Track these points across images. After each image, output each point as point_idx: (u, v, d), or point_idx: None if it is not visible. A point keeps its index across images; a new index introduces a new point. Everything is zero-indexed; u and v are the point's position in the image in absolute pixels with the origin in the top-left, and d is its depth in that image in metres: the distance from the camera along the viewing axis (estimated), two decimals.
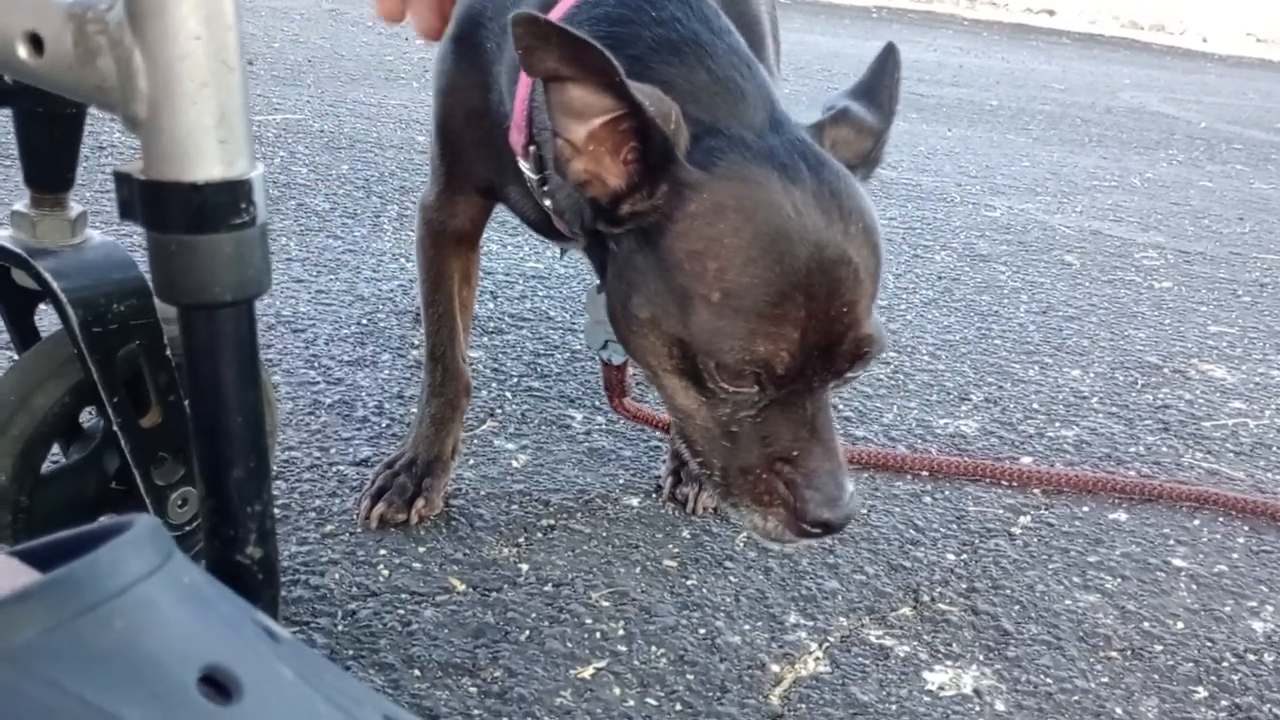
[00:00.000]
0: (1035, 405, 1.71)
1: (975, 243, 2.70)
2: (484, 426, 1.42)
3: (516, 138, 1.00)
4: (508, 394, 1.53)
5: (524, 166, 1.01)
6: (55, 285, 0.80)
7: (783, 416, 0.85)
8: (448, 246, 1.19)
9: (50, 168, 0.82)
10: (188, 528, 0.94)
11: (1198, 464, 1.56)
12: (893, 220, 2.80)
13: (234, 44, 0.62)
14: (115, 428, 0.85)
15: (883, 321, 0.88)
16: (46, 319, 0.96)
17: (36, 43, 0.63)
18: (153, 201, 0.63)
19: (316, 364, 1.52)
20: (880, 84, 0.98)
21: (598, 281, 1.17)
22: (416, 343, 1.63)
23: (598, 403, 1.53)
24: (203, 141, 0.62)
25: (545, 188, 1.00)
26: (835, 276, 0.82)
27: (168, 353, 0.87)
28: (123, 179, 0.64)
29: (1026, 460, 1.52)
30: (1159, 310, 2.30)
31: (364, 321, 1.69)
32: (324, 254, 1.97)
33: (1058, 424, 1.65)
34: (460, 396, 1.23)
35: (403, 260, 1.99)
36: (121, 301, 0.83)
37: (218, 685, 0.53)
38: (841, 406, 1.61)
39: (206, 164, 0.62)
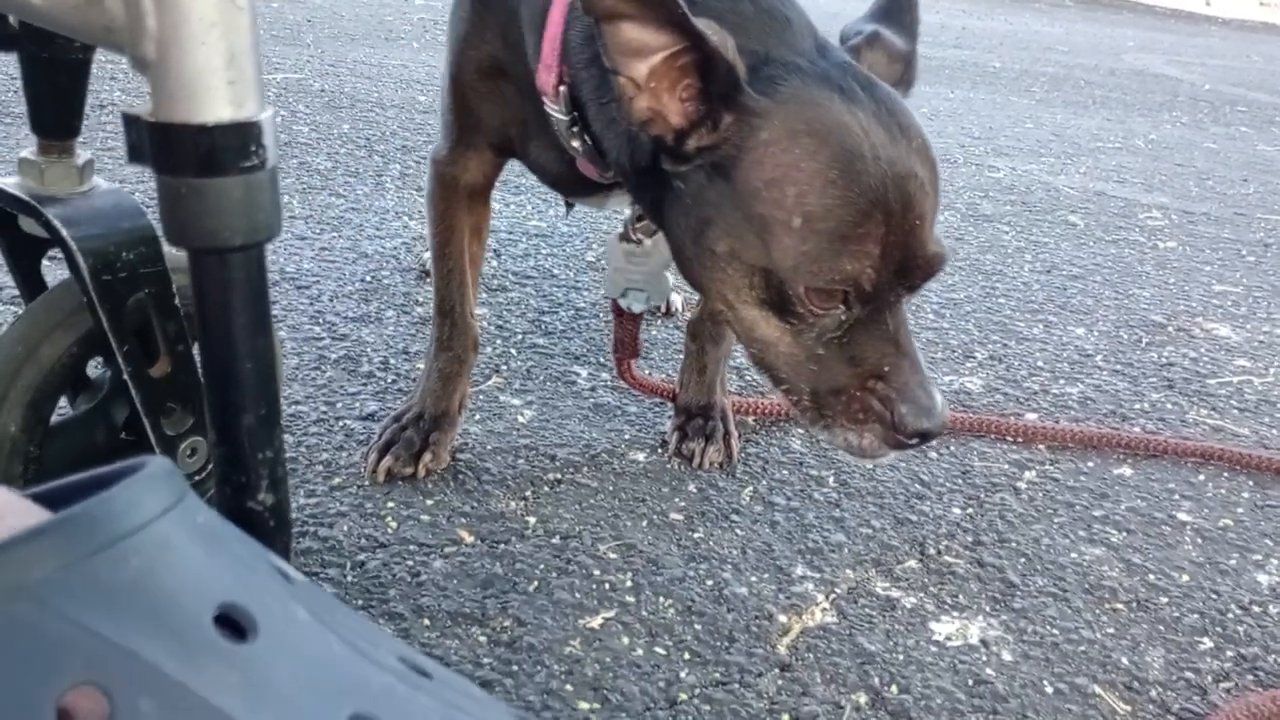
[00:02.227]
0: (1040, 363, 1.71)
1: (979, 203, 2.69)
2: (489, 382, 1.42)
3: (546, 78, 0.99)
4: (513, 350, 1.52)
5: (552, 109, 1.00)
6: (65, 232, 0.79)
7: (867, 335, 0.87)
8: (459, 200, 1.18)
9: (57, 114, 0.81)
10: (197, 477, 0.94)
11: (1202, 420, 1.56)
12: None
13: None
14: (125, 377, 0.85)
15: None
16: (52, 271, 0.95)
17: None
18: (162, 143, 0.62)
19: (321, 320, 1.52)
20: (898, 5, 0.98)
21: (619, 230, 1.17)
22: (421, 299, 1.63)
23: (602, 359, 1.52)
24: (212, 82, 0.61)
25: (575, 129, 0.99)
26: (907, 191, 0.84)
27: (176, 302, 0.87)
28: (131, 121, 0.63)
29: (1031, 416, 1.52)
30: (1163, 270, 2.29)
31: (368, 279, 1.68)
32: (327, 212, 1.96)
33: (1062, 381, 1.65)
34: (468, 351, 1.23)
35: (406, 218, 1.98)
36: (131, 249, 0.82)
37: (233, 624, 0.53)
38: None
39: (216, 105, 0.61)
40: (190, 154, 0.62)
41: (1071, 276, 2.17)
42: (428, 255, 1.69)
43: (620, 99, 0.85)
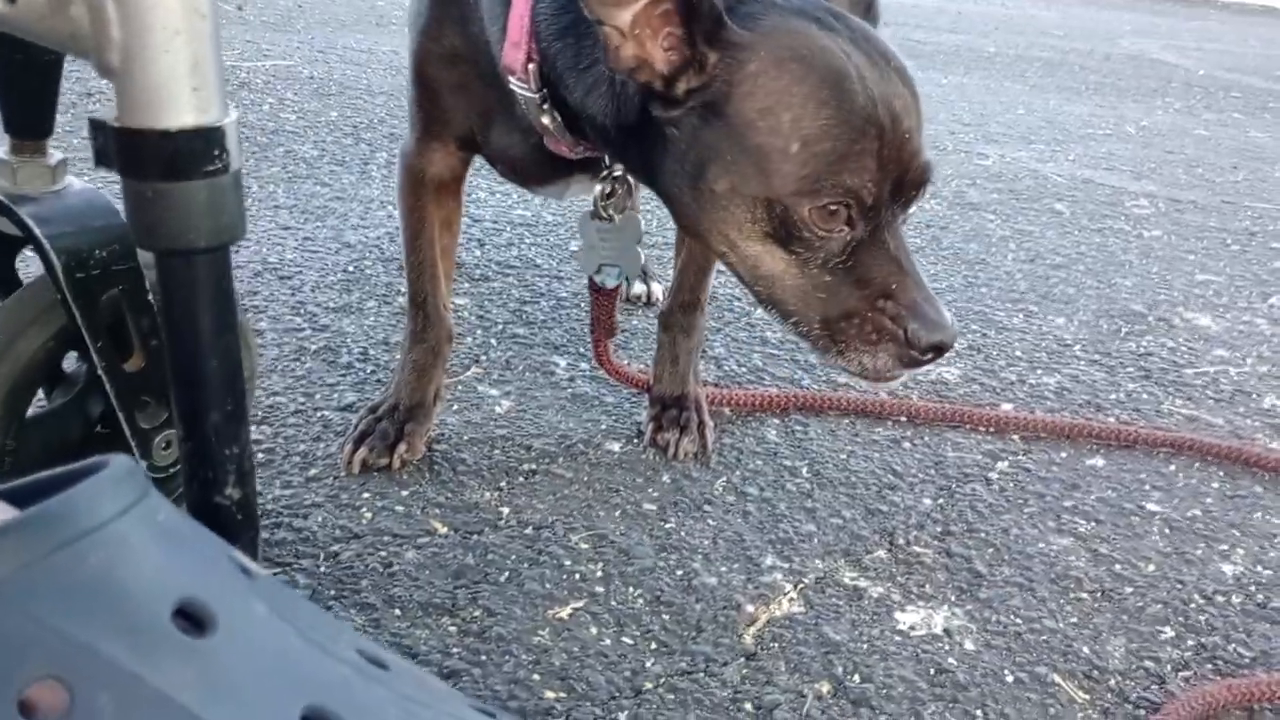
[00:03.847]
0: (1018, 353, 1.73)
1: (966, 191, 2.70)
2: (468, 373, 1.44)
3: (514, 56, 1.00)
4: (493, 341, 1.54)
5: (519, 88, 1.01)
6: (38, 231, 0.81)
7: (870, 257, 0.90)
8: (428, 194, 1.19)
9: (29, 115, 0.82)
10: (172, 469, 0.95)
11: (1177, 410, 1.58)
12: None
13: (202, 3, 0.62)
14: (99, 372, 0.86)
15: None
16: (27, 267, 0.97)
17: None
18: (127, 149, 0.64)
19: (302, 310, 1.53)
20: None
21: (589, 209, 1.18)
22: (402, 290, 1.64)
23: (582, 349, 1.54)
24: (175, 89, 0.63)
25: (545, 105, 1.01)
26: (894, 107, 0.88)
27: (149, 298, 0.88)
28: (98, 126, 0.65)
29: (1007, 407, 1.53)
30: (1147, 258, 2.31)
31: (350, 269, 1.70)
32: (311, 201, 1.97)
33: (1039, 371, 1.66)
34: (442, 343, 1.24)
35: (390, 207, 1.99)
36: (103, 247, 0.84)
37: (191, 618, 0.54)
38: None
39: (179, 112, 0.63)
40: (155, 159, 0.64)
41: (1054, 266, 2.19)
42: None
43: (606, 50, 0.88)
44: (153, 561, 0.54)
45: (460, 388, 1.39)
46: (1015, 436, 1.44)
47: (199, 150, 0.64)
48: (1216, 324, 1.96)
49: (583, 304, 1.69)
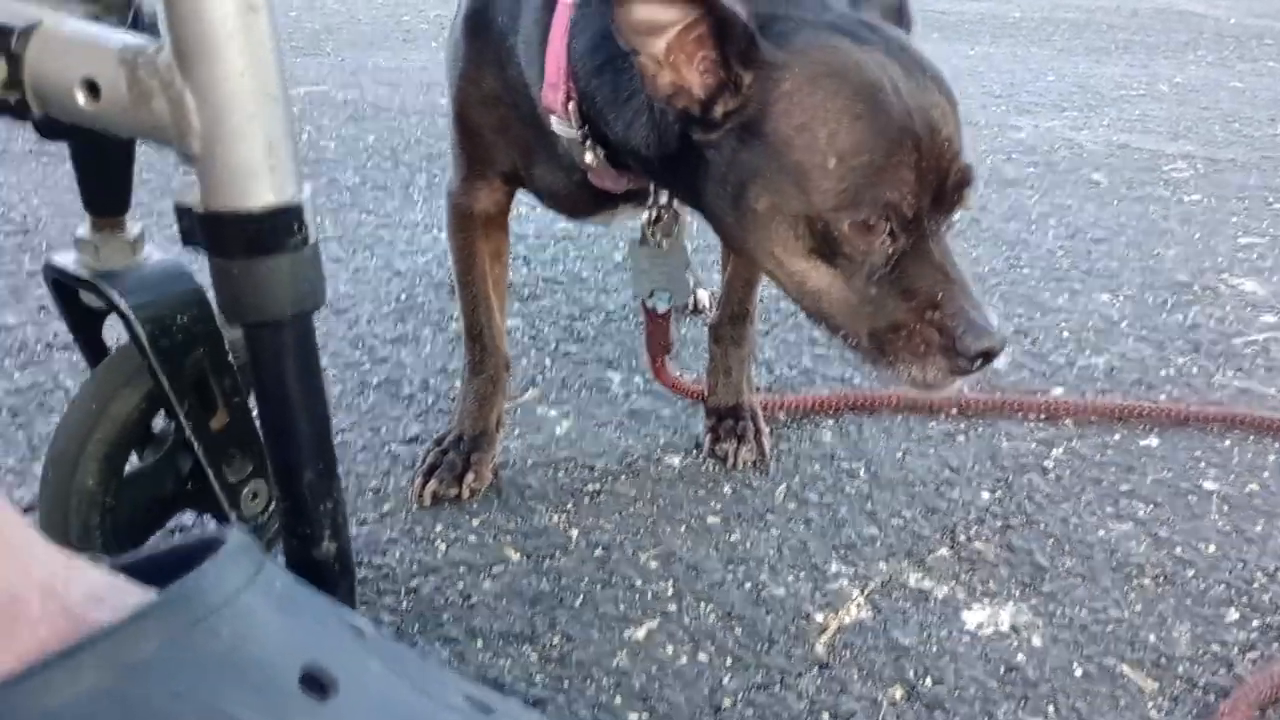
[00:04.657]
0: (1065, 333, 1.74)
1: (1002, 167, 2.70)
2: (526, 395, 1.47)
3: (552, 97, 1.03)
4: (547, 360, 1.57)
5: (560, 128, 1.04)
6: (124, 305, 0.85)
7: (915, 267, 0.91)
8: (476, 229, 1.23)
9: (108, 194, 0.86)
10: (261, 518, 0.99)
11: (1229, 383, 1.59)
12: None
13: (277, 76, 0.66)
14: (187, 431, 0.91)
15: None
16: (111, 331, 1.01)
17: (93, 89, 0.68)
18: (212, 230, 0.68)
19: (361, 344, 1.58)
20: None
21: (636, 236, 1.20)
22: (455, 315, 1.68)
23: (634, 363, 1.57)
24: (254, 172, 0.66)
25: (586, 143, 1.03)
26: (931, 117, 0.89)
27: (229, 357, 0.92)
28: (183, 211, 0.69)
29: (1058, 391, 1.55)
30: (1188, 225, 2.30)
31: (403, 297, 1.74)
32: (359, 230, 2.01)
33: (1088, 351, 1.68)
34: (500, 371, 1.28)
35: (435, 231, 2.03)
36: (184, 313, 0.88)
37: (316, 682, 0.58)
38: None
39: (259, 192, 0.67)
40: (238, 238, 0.67)
41: (1096, 240, 2.19)
42: None
43: (643, 78, 0.90)
44: (276, 631, 0.58)
45: (520, 411, 1.43)
46: (1068, 422, 1.46)
47: (279, 227, 0.67)
48: (1263, 288, 1.96)
49: (632, 315, 1.73)
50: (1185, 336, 1.74)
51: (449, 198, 1.23)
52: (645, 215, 1.18)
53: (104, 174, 0.86)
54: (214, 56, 0.64)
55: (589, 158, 1.04)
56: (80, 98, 0.68)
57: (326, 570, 0.75)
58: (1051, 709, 0.96)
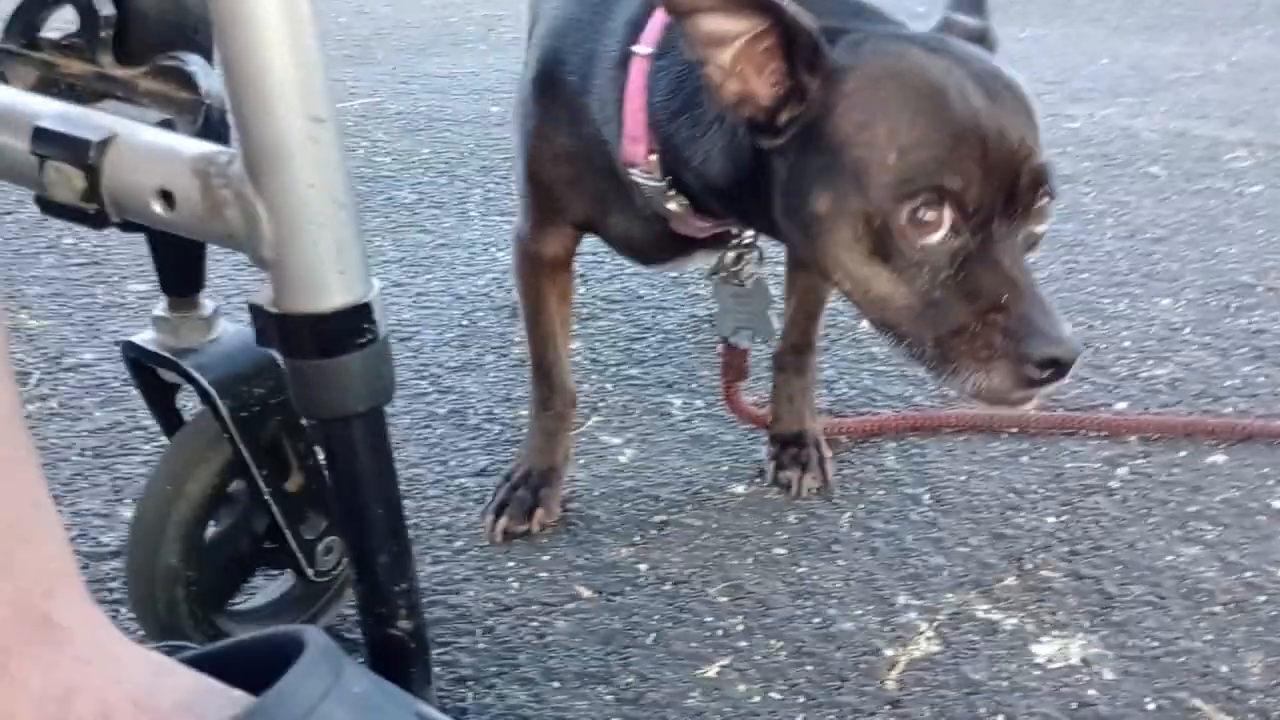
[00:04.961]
0: (1126, 343, 1.73)
1: (1057, 161, 2.66)
2: (589, 423, 1.49)
3: (634, 150, 1.04)
4: (608, 385, 1.59)
5: (642, 179, 1.05)
6: (203, 381, 0.88)
7: (982, 269, 0.88)
8: (544, 274, 1.25)
9: (183, 277, 0.89)
10: (334, 572, 1.02)
11: None
12: None
13: (344, 185, 0.68)
14: (265, 497, 0.94)
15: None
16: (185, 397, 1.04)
17: (168, 198, 0.70)
18: (285, 332, 0.70)
19: (426, 373, 1.60)
20: None
21: (720, 274, 1.20)
22: (516, 339, 1.70)
23: (694, 386, 1.58)
24: (325, 276, 0.69)
25: (671, 191, 1.04)
26: (1001, 119, 0.88)
27: (302, 421, 0.95)
28: (257, 311, 0.71)
29: (1121, 405, 1.54)
30: (1250, 220, 2.27)
31: (464, 322, 1.76)
32: (418, 251, 2.04)
33: (1150, 361, 1.66)
34: (568, 407, 1.30)
35: (493, 250, 2.05)
36: (260, 385, 0.90)
37: None
38: None
39: (330, 295, 0.69)
40: (311, 339, 0.70)
41: (1155, 239, 2.16)
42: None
43: (709, 89, 0.91)
44: None
45: (583, 439, 1.45)
46: (1132, 439, 1.45)
47: (350, 328, 0.70)
48: None
49: (690, 335, 1.74)
50: (1250, 343, 1.72)
51: (518, 243, 1.25)
52: (728, 255, 1.18)
53: (180, 259, 0.88)
54: (284, 168, 0.66)
55: (673, 206, 1.05)
56: (156, 207, 0.70)
57: (402, 648, 0.78)
58: None
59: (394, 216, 2.22)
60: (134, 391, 1.49)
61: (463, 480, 1.35)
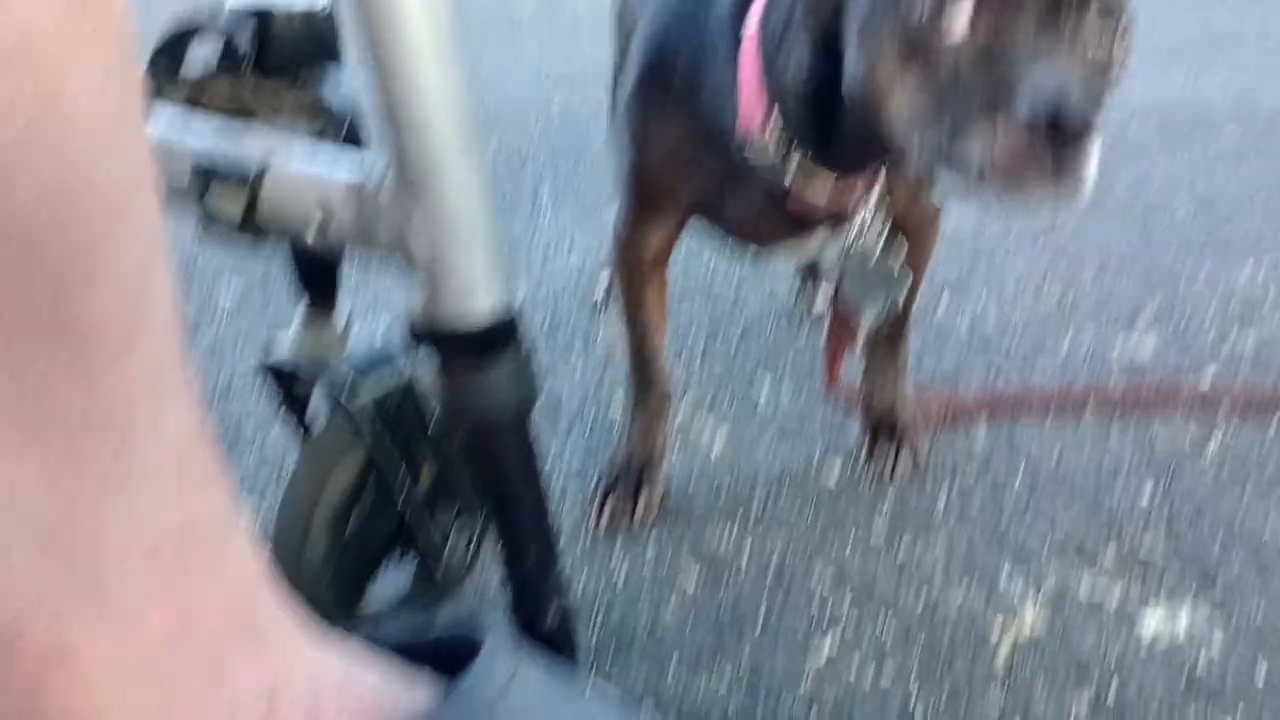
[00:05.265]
0: (1210, 311, 1.73)
1: (1124, 130, 2.66)
2: (680, 416, 1.52)
3: (751, 118, 1.04)
4: (695, 371, 1.62)
5: (762, 147, 1.05)
6: (339, 392, 0.91)
7: (1001, 60, 0.79)
8: (645, 273, 1.27)
9: (320, 289, 0.93)
10: (466, 556, 1.06)
11: None
12: None
13: (490, 200, 0.71)
14: (397, 498, 0.98)
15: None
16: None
17: (325, 216, 0.74)
18: (439, 341, 0.73)
19: None
20: None
21: (850, 251, 1.17)
22: (597, 338, 1.73)
23: (780, 369, 1.61)
24: (476, 287, 0.72)
25: (791, 145, 1.03)
26: None
27: (430, 421, 0.99)
28: (412, 320, 0.75)
29: (1208, 374, 1.54)
30: None
31: (546, 322, 1.80)
32: None
33: (1234, 330, 1.67)
34: (664, 403, 1.33)
35: (566, 244, 2.08)
36: (394, 393, 0.94)
37: None
38: (1019, 340, 1.67)
39: (482, 306, 0.72)
40: (463, 349, 0.73)
41: (1230, 205, 2.15)
42: (599, 287, 1.80)
43: None
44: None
45: (676, 429, 1.48)
46: (1220, 411, 1.46)
47: (500, 337, 0.73)
48: None
49: (767, 320, 1.76)
50: None
51: (617, 242, 1.26)
52: (858, 223, 1.14)
53: (317, 272, 0.92)
54: (436, 182, 0.69)
55: (793, 166, 1.04)
56: (312, 229, 0.74)
57: (554, 636, 0.81)
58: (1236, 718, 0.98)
59: None
60: (235, 386, 1.55)
61: (563, 481, 1.38)
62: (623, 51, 1.41)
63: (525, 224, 2.21)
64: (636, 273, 1.27)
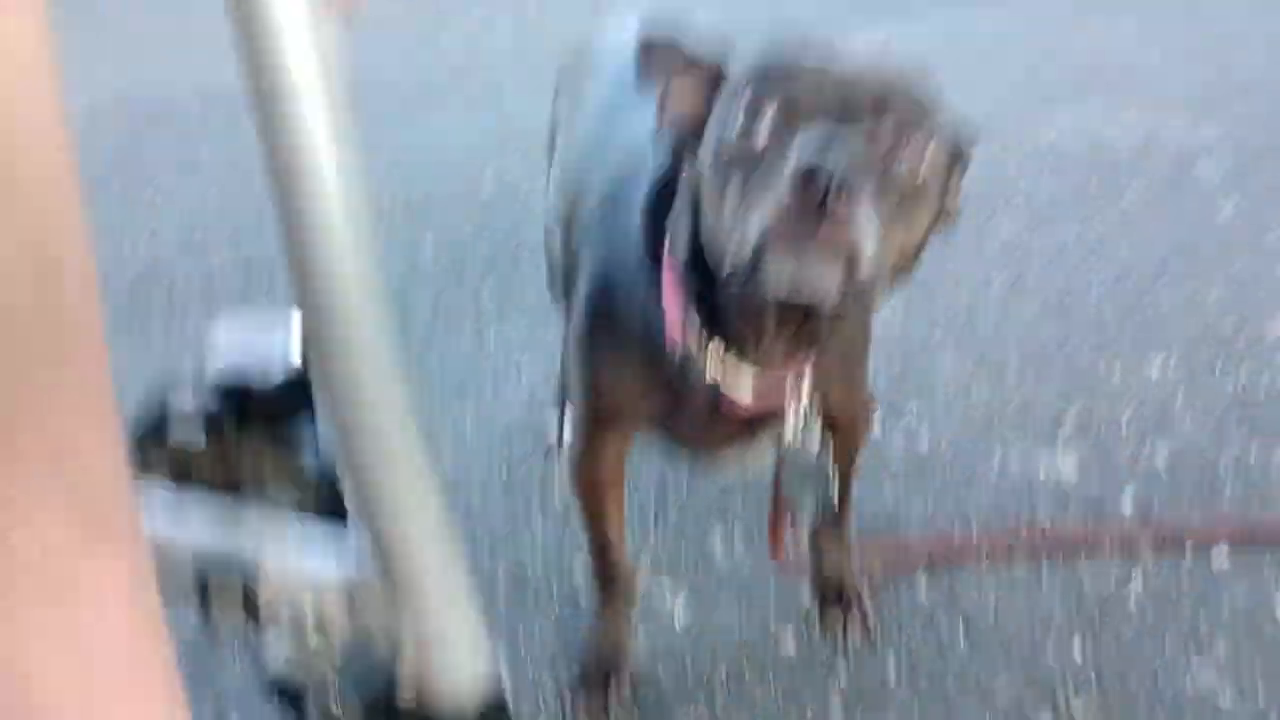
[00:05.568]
0: (1125, 419, 1.84)
1: (1035, 189, 2.71)
2: (640, 588, 1.58)
3: (675, 322, 1.09)
4: (650, 532, 1.69)
5: (690, 343, 1.10)
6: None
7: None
8: (601, 492, 1.34)
9: None
10: None
11: None
12: None
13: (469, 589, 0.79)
14: None
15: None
16: None
17: (320, 622, 0.81)
18: None
19: (475, 536, 1.68)
20: None
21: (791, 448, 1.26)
22: (556, 486, 1.79)
23: (733, 526, 1.68)
24: (462, 676, 0.80)
25: (711, 340, 1.09)
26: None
27: None
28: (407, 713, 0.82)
29: (1127, 500, 1.66)
30: (1227, 251, 2.34)
31: (504, 473, 1.84)
32: (445, 378, 2.11)
33: (1149, 441, 1.78)
34: (627, 603, 1.42)
35: (514, 369, 2.13)
36: None
37: None
38: (951, 464, 1.76)
39: (469, 693, 0.80)
40: None
41: (1138, 283, 2.25)
42: (550, 430, 1.87)
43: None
44: None
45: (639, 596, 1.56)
46: (1142, 548, 1.57)
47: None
48: None
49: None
50: (1240, 410, 1.83)
51: (573, 464, 1.32)
52: (788, 426, 1.19)
53: None
54: (420, 591, 0.77)
55: (711, 355, 1.08)
56: (311, 634, 0.81)
57: None
58: None
59: (414, 331, 2.28)
60: None
61: (534, 671, 1.45)
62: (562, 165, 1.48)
63: (470, 342, 2.24)
64: (593, 494, 1.34)
